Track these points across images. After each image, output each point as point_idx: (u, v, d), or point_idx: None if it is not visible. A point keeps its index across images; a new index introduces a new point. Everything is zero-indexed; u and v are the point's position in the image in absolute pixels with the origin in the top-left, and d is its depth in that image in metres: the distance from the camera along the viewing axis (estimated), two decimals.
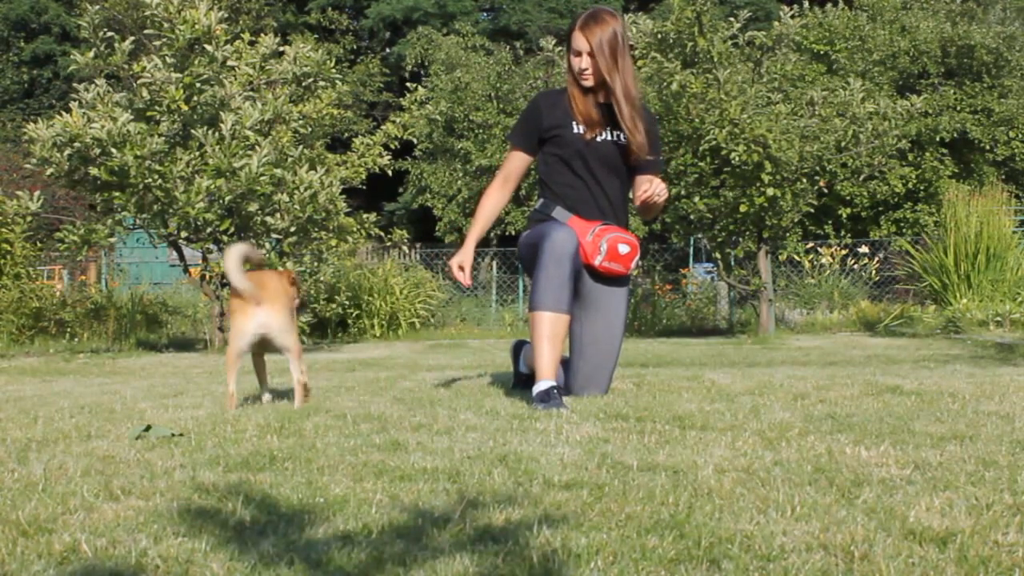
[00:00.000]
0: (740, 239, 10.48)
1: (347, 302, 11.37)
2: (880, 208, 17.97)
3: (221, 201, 8.40)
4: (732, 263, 10.92)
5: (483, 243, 21.36)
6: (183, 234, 8.88)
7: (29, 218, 9.83)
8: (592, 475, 2.33)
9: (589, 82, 4.00)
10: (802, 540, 1.79)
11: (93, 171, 8.31)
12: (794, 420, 3.13)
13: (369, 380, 5.11)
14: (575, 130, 4.03)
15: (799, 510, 1.98)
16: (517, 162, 4.19)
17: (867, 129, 10.04)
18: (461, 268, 4.10)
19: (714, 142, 9.68)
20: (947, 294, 11.11)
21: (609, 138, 4.07)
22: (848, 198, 17.56)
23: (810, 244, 15.71)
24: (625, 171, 4.11)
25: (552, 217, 4.03)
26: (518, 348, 4.56)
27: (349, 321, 11.56)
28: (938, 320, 9.96)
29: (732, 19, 10.19)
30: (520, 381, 4.44)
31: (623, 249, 3.96)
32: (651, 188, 3.95)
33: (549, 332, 3.77)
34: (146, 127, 8.40)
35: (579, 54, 3.97)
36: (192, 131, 8.59)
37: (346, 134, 21.18)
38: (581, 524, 1.91)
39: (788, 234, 13.37)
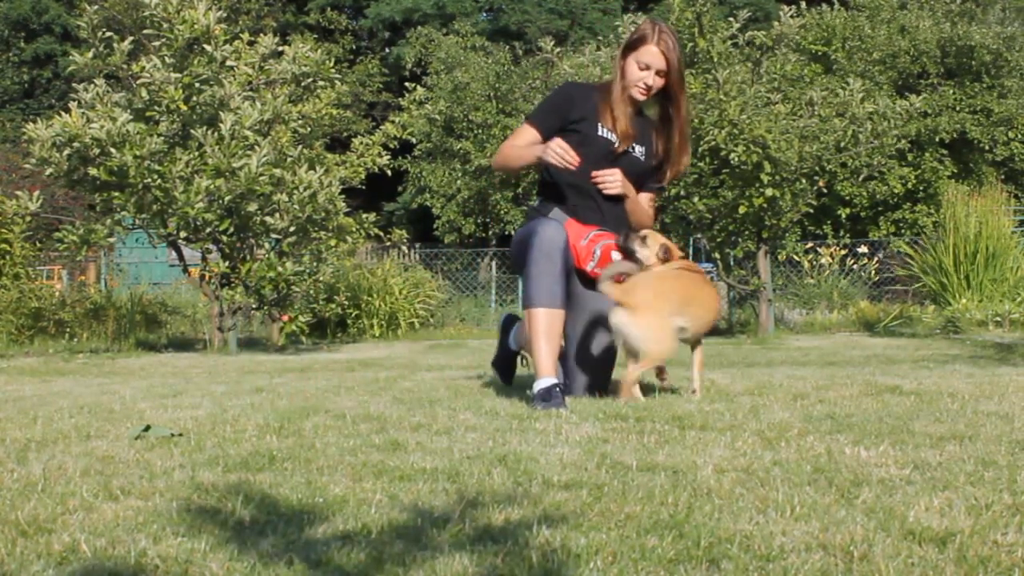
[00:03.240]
0: (739, 239, 10.47)
1: (346, 302, 11.37)
2: (879, 208, 17.96)
3: (220, 201, 8.39)
4: (731, 263, 10.92)
5: (482, 243, 21.38)
6: (182, 234, 8.88)
7: (28, 218, 9.83)
8: (592, 475, 2.33)
9: (645, 97, 3.99)
10: (801, 540, 1.79)
11: (92, 171, 8.30)
12: (793, 420, 3.13)
13: (368, 380, 5.10)
14: (599, 131, 4.01)
15: (799, 510, 1.98)
16: (528, 137, 4.07)
17: (866, 129, 10.03)
18: (559, 151, 3.83)
19: (713, 143, 9.68)
20: (946, 294, 11.11)
21: (634, 153, 4.07)
22: (847, 198, 17.55)
23: (809, 244, 15.70)
24: (633, 187, 4.10)
25: (548, 216, 4.02)
26: (509, 323, 4.55)
27: (348, 321, 11.56)
28: (937, 320, 9.96)
29: (732, 19, 10.19)
30: (503, 357, 4.45)
31: (616, 257, 3.95)
32: (604, 176, 3.95)
33: (545, 328, 3.76)
34: (145, 127, 8.39)
35: (647, 68, 3.93)
36: (191, 131, 8.59)
37: (345, 134, 21.17)
38: (581, 524, 1.91)
39: (787, 234, 13.36)
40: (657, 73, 3.94)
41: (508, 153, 4.10)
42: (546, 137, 4.06)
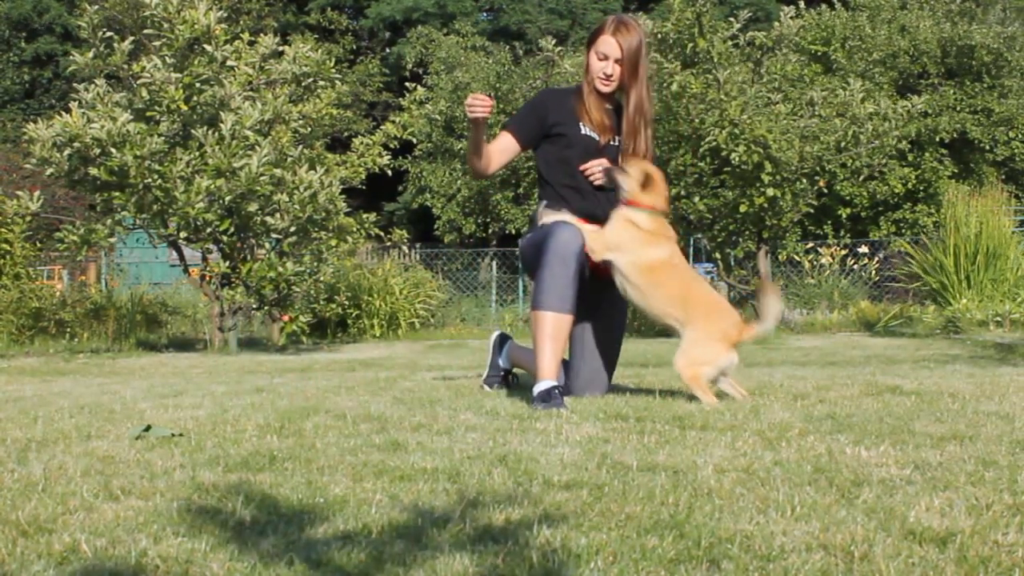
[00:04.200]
0: (740, 239, 10.48)
1: (347, 302, 11.37)
2: (880, 208, 17.96)
3: (221, 201, 8.39)
4: (732, 263, 10.92)
5: (482, 243, 21.37)
6: (183, 234, 8.88)
7: (29, 218, 9.83)
8: (592, 475, 2.33)
9: (609, 87, 3.99)
10: (802, 540, 1.79)
11: (93, 171, 8.30)
12: (794, 420, 3.13)
13: (369, 380, 5.11)
14: (582, 131, 4.02)
15: (799, 510, 1.98)
16: (503, 143, 4.09)
17: (867, 129, 10.04)
18: (471, 101, 3.87)
19: (714, 143, 9.68)
20: (947, 294, 11.10)
21: (617, 144, 4.07)
22: (848, 198, 17.55)
23: (810, 244, 15.71)
24: None
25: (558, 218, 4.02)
26: (502, 341, 4.55)
27: (349, 321, 11.56)
28: (938, 320, 9.95)
29: (732, 19, 10.19)
30: (493, 375, 4.42)
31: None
32: (592, 167, 3.97)
33: (552, 332, 3.75)
34: (146, 127, 8.40)
35: (606, 58, 3.94)
36: (192, 131, 8.59)
37: (346, 134, 21.16)
38: (581, 524, 1.91)
39: (787, 234, 13.36)
40: (616, 62, 3.94)
41: (468, 155, 4.11)
42: (523, 142, 4.10)
